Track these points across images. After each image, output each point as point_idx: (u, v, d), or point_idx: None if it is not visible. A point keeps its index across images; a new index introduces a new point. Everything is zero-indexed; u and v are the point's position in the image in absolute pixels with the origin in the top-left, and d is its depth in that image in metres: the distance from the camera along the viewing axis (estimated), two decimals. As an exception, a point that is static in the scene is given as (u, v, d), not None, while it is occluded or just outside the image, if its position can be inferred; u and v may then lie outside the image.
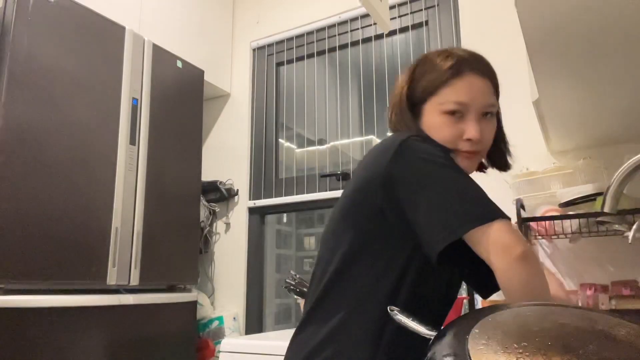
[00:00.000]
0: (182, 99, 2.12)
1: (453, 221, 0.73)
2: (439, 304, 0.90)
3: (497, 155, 0.97)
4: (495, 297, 1.58)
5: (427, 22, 2.22)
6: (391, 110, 0.95)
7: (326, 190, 2.29)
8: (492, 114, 0.88)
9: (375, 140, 2.28)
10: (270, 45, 2.66)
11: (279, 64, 2.65)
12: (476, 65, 0.86)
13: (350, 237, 0.83)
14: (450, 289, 0.92)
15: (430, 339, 0.60)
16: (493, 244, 0.71)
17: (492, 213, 0.73)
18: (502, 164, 0.99)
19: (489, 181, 1.87)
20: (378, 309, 0.79)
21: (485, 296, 1.02)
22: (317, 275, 0.87)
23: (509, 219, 0.74)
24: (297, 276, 1.84)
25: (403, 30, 2.29)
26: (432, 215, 0.75)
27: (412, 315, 0.68)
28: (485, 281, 0.94)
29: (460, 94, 0.84)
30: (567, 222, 1.53)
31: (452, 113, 0.84)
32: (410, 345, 0.82)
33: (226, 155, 2.62)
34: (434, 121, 0.86)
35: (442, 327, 0.60)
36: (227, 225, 2.53)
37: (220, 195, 2.49)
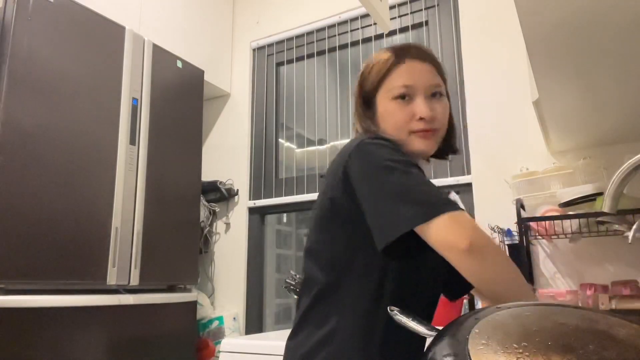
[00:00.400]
0: (182, 99, 2.12)
1: (389, 225, 0.75)
2: (426, 300, 0.91)
3: (448, 138, 0.98)
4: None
5: (427, 22, 2.22)
6: (353, 112, 0.99)
7: (326, 190, 2.29)
8: (440, 94, 0.91)
9: (375, 140, 2.28)
10: (270, 45, 2.66)
11: (279, 64, 2.65)
12: (414, 52, 0.91)
13: (330, 246, 0.86)
14: (436, 284, 0.94)
15: (424, 336, 0.59)
16: (436, 242, 0.72)
17: (431, 210, 0.73)
18: (452, 148, 1.01)
19: (489, 181, 1.88)
20: (367, 312, 0.81)
21: (450, 298, 1.05)
22: (306, 285, 0.89)
23: (456, 209, 0.73)
24: (297, 276, 1.84)
25: (403, 30, 2.29)
26: (374, 219, 0.78)
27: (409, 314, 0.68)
28: (452, 284, 0.99)
29: (405, 77, 0.89)
30: (567, 222, 1.53)
31: (401, 97, 0.89)
32: (404, 345, 0.84)
33: (226, 155, 2.62)
34: (386, 109, 0.90)
35: (431, 323, 0.61)
36: (227, 225, 2.53)
37: (220, 195, 2.49)
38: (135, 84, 1.88)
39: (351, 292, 0.83)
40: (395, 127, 0.89)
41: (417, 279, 0.87)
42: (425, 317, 0.93)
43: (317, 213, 0.89)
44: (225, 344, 1.54)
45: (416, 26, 2.26)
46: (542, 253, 1.73)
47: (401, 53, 0.91)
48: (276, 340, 1.41)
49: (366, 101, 0.95)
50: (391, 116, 0.89)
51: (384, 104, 0.91)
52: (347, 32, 2.43)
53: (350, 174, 0.82)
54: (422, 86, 0.89)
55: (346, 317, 0.82)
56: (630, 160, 0.74)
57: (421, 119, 0.87)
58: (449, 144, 0.99)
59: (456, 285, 1.04)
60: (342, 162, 0.84)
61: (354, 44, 2.41)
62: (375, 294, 0.82)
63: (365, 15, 2.37)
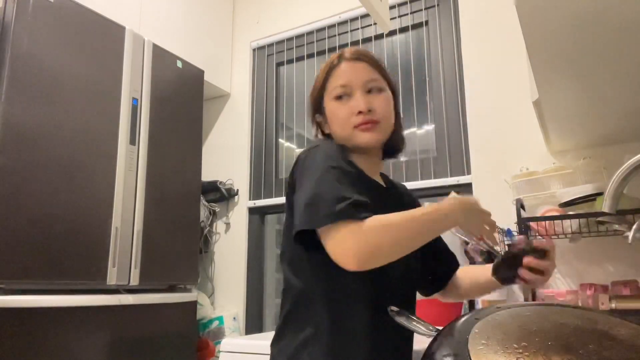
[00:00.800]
0: (182, 99, 2.12)
1: (296, 224, 0.83)
2: (400, 298, 0.93)
3: (392, 135, 1.02)
4: (494, 297, 1.58)
5: (427, 22, 2.22)
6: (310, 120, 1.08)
7: (326, 190, 2.29)
8: (378, 89, 0.96)
9: (375, 140, 2.28)
10: (270, 45, 2.66)
11: (279, 64, 2.65)
12: (349, 54, 0.98)
13: (298, 256, 0.90)
14: (409, 282, 0.97)
15: (409, 333, 0.60)
16: (329, 252, 0.79)
17: (318, 219, 0.79)
18: (396, 146, 1.05)
19: (489, 181, 1.88)
20: (341, 312, 0.85)
21: (423, 294, 1.11)
22: (285, 289, 0.94)
23: (350, 217, 0.77)
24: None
25: (403, 30, 2.29)
26: (288, 221, 0.88)
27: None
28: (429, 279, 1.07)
29: (341, 78, 0.96)
30: (567, 222, 1.53)
31: (340, 97, 0.96)
32: (389, 342, 0.88)
33: (226, 155, 2.62)
34: (330, 109, 0.97)
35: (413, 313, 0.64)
36: (227, 225, 2.53)
37: (220, 195, 2.49)
38: (135, 84, 1.88)
39: (324, 295, 0.86)
40: (339, 125, 0.96)
41: (388, 278, 0.89)
42: (406, 303, 0.95)
43: (285, 223, 0.96)
44: (225, 344, 1.54)
45: (416, 26, 2.26)
46: (542, 253, 1.72)
47: (338, 57, 0.99)
48: (276, 340, 1.41)
49: (318, 107, 1.02)
50: (335, 116, 0.96)
51: (329, 106, 0.98)
52: (347, 32, 2.43)
53: (291, 181, 0.91)
54: (357, 83, 0.95)
55: (323, 320, 0.85)
56: (630, 160, 0.75)
57: (360, 112, 0.93)
58: (393, 141, 1.02)
59: (429, 283, 1.10)
60: (291, 170, 0.93)
61: (354, 44, 2.41)
62: (347, 295, 0.86)
63: (365, 15, 2.37)
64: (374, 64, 0.99)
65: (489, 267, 0.99)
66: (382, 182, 1.04)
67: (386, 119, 0.96)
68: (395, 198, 1.05)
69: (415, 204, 1.10)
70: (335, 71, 0.97)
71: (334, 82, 0.97)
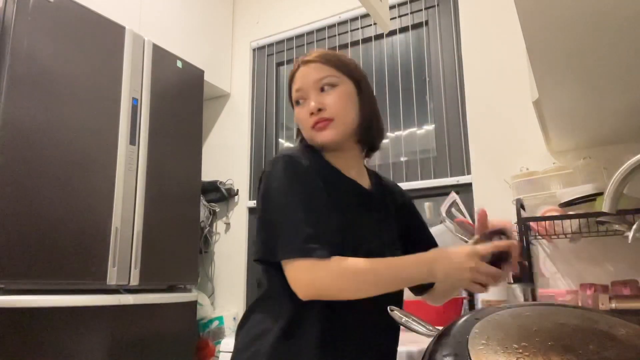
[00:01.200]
0: (182, 99, 2.12)
1: (255, 247, 0.89)
2: (376, 300, 0.90)
3: (365, 133, 1.00)
4: (494, 297, 1.58)
5: (427, 22, 2.22)
6: None
7: (326, 190, 2.29)
8: (330, 85, 0.96)
9: (375, 140, 2.28)
10: (270, 45, 2.66)
11: (279, 64, 2.65)
12: (303, 59, 1.00)
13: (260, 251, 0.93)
14: None
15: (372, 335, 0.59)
16: (287, 278, 0.82)
17: (281, 254, 0.83)
18: (369, 143, 1.03)
19: (489, 181, 1.88)
20: (300, 315, 0.86)
21: (416, 293, 1.10)
22: (258, 286, 0.99)
23: (315, 257, 0.80)
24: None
25: (403, 30, 2.29)
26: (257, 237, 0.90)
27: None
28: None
29: (296, 83, 0.99)
30: (567, 222, 1.53)
31: (298, 102, 0.98)
32: (346, 343, 0.87)
33: (226, 155, 2.62)
34: (295, 115, 1.01)
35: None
36: (227, 225, 2.53)
37: (220, 195, 2.49)
38: (135, 84, 1.88)
39: (286, 296, 0.86)
40: (302, 128, 0.98)
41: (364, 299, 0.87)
42: (380, 320, 0.91)
43: None
44: (225, 344, 1.54)
45: (416, 26, 2.26)
46: (542, 253, 1.72)
47: (296, 64, 1.01)
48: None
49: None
50: (298, 120, 0.99)
51: (295, 112, 1.01)
52: (347, 32, 2.43)
53: (258, 198, 0.93)
54: (309, 86, 0.96)
55: (278, 321, 0.87)
56: (630, 160, 0.74)
57: (312, 114, 0.95)
58: (365, 133, 1.00)
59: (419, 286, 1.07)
60: (258, 185, 0.94)
61: (354, 44, 2.41)
62: (320, 311, 0.85)
63: (365, 15, 2.37)
64: (327, 60, 0.98)
65: None
66: (364, 180, 1.02)
67: (341, 115, 0.95)
68: (379, 198, 1.03)
69: (408, 204, 1.09)
70: (294, 78, 1.00)
71: (293, 88, 1.00)
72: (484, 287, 0.82)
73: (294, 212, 0.84)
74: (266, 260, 0.88)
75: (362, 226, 0.94)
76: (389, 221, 1.01)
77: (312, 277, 0.81)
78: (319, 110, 0.94)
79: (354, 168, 1.01)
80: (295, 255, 0.81)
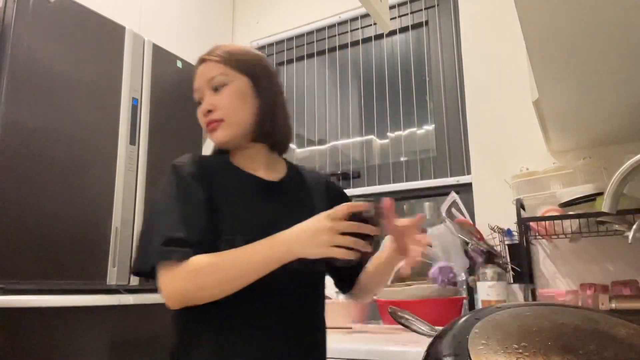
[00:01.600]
0: (182, 99, 2.11)
1: (133, 261, 0.88)
2: (290, 305, 0.89)
3: (260, 130, 0.97)
4: (494, 297, 1.58)
5: (427, 22, 2.22)
6: None
7: (326, 190, 2.29)
8: (222, 84, 0.95)
9: (375, 140, 2.28)
10: (270, 45, 2.66)
11: (279, 64, 2.65)
12: (201, 57, 1.01)
13: None
14: (301, 289, 0.92)
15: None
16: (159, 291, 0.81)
17: (141, 264, 0.84)
18: (272, 132, 0.99)
19: (489, 181, 1.88)
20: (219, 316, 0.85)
21: (343, 291, 1.07)
22: None
23: (167, 258, 0.79)
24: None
25: (403, 30, 2.29)
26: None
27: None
28: (343, 277, 1.03)
29: (194, 83, 0.99)
30: (567, 222, 1.53)
31: (199, 102, 0.98)
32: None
33: (226, 155, 2.62)
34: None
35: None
36: (227, 225, 2.52)
37: (220, 195, 2.49)
38: (135, 84, 1.88)
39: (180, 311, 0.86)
40: (203, 129, 0.99)
41: (269, 287, 0.84)
42: (299, 325, 0.89)
43: None
44: (225, 344, 1.54)
45: (416, 26, 2.26)
46: (542, 253, 1.72)
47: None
48: (276, 340, 1.41)
49: None
50: (199, 120, 0.99)
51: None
52: (347, 32, 2.43)
53: None
54: (203, 86, 0.97)
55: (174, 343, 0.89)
56: (630, 160, 0.74)
57: (204, 115, 0.95)
58: (264, 129, 0.97)
59: (341, 281, 1.05)
60: None
61: (354, 44, 2.41)
62: (225, 302, 0.82)
63: (365, 15, 2.37)
64: (221, 58, 0.98)
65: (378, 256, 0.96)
66: (273, 174, 0.99)
67: (231, 115, 0.94)
68: (290, 189, 0.99)
69: (331, 192, 1.04)
70: (194, 77, 1.00)
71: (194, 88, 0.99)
72: (353, 252, 0.74)
73: (158, 218, 0.84)
74: (144, 273, 0.85)
75: (259, 216, 0.91)
76: (300, 209, 0.94)
77: (171, 282, 0.79)
78: (209, 111, 0.94)
79: (261, 164, 0.98)
80: (155, 260, 0.80)
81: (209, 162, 0.95)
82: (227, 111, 0.94)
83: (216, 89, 0.95)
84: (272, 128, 0.98)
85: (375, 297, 1.69)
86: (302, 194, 1.01)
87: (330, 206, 0.79)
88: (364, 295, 1.06)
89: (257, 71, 0.99)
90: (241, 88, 0.96)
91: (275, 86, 1.01)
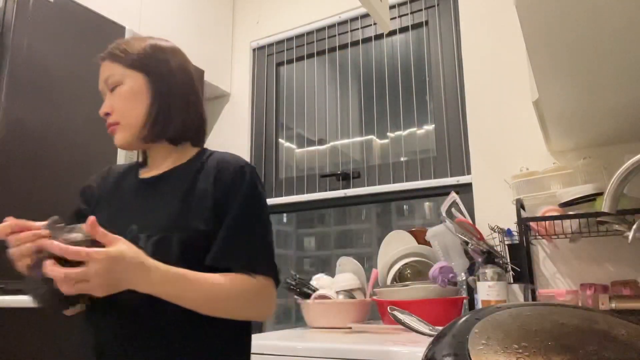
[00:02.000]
0: (182, 99, 2.11)
1: None
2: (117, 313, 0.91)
3: (151, 128, 0.93)
4: (494, 297, 1.58)
5: (427, 22, 2.22)
6: None
7: (326, 190, 2.29)
8: (118, 84, 0.92)
9: (375, 140, 2.28)
10: (270, 45, 2.66)
11: (279, 64, 2.65)
12: (99, 56, 0.95)
13: None
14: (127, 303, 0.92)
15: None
16: None
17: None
18: (167, 126, 0.94)
19: (489, 181, 1.88)
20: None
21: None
22: None
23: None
24: (297, 276, 1.84)
25: (403, 30, 2.29)
26: None
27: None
28: None
29: (99, 85, 0.96)
30: (567, 222, 1.53)
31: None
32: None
33: (226, 155, 2.62)
34: None
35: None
36: (227, 225, 2.52)
37: (220, 195, 2.49)
38: (135, 84, 1.88)
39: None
40: None
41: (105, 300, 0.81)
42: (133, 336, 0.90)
43: None
44: (225, 344, 1.54)
45: (416, 26, 2.26)
46: (542, 253, 1.73)
47: None
48: (276, 340, 1.41)
49: None
50: None
51: None
52: (347, 32, 2.43)
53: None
54: (103, 87, 0.94)
55: None
56: (630, 160, 0.74)
57: (104, 118, 0.94)
58: (151, 134, 0.93)
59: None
60: None
61: (354, 44, 2.41)
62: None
63: (365, 15, 2.37)
64: (113, 56, 0.93)
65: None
66: (156, 172, 0.96)
67: (125, 116, 0.91)
68: (167, 183, 0.93)
69: (218, 183, 0.92)
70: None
71: None
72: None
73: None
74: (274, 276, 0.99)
75: (124, 216, 0.89)
76: (173, 203, 0.89)
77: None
78: (107, 114, 0.92)
79: (164, 161, 0.97)
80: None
81: (125, 166, 1.00)
82: (121, 113, 0.91)
83: (112, 90, 0.92)
84: (164, 125, 0.93)
85: (375, 297, 1.69)
86: (168, 188, 0.92)
87: (218, 196, 0.84)
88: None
89: (152, 66, 0.93)
90: (134, 87, 0.91)
91: (173, 77, 0.94)
